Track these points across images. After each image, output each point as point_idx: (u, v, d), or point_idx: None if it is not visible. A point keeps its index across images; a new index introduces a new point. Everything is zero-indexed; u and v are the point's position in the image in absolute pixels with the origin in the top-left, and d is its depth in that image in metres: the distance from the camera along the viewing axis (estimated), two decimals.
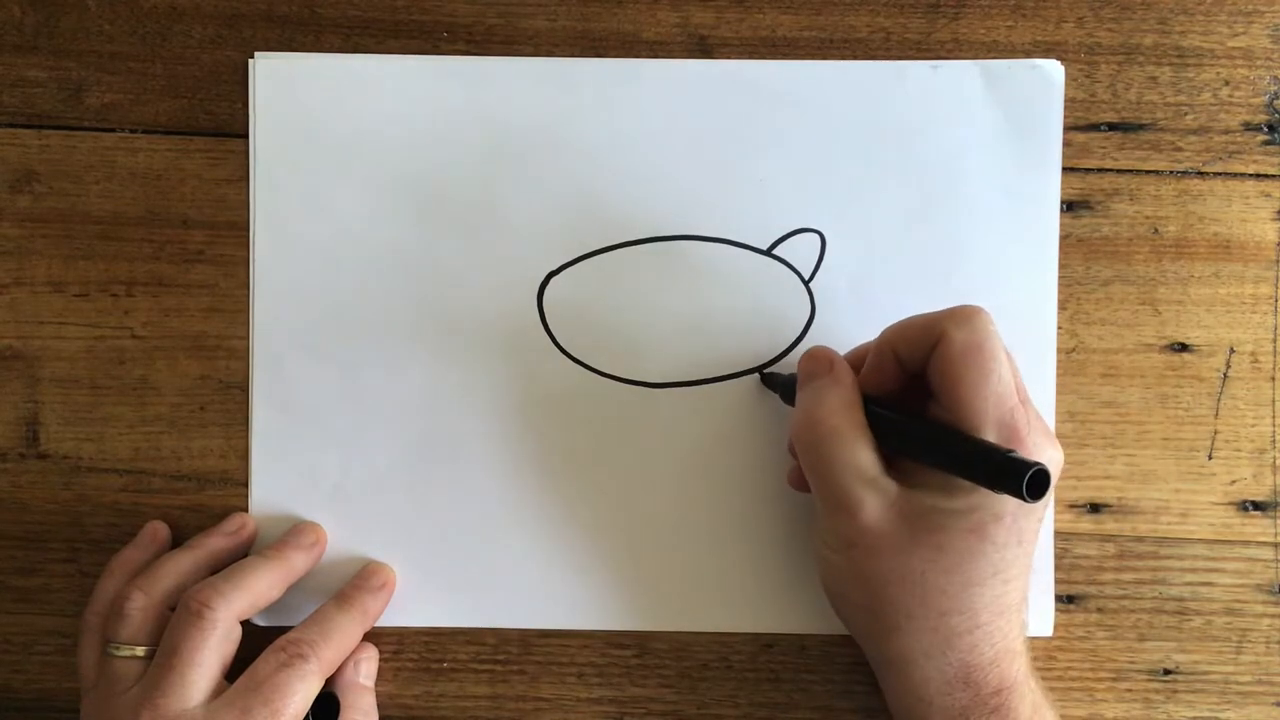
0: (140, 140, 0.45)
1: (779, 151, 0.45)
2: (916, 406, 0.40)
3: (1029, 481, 0.33)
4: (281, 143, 0.45)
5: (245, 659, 0.40)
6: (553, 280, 0.45)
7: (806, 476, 0.40)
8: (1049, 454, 0.37)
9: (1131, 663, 0.45)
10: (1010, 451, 0.35)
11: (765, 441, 0.45)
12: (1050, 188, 0.45)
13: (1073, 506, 0.45)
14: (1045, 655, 0.45)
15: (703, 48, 0.46)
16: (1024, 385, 0.38)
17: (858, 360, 0.41)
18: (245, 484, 0.45)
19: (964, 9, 0.45)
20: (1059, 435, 0.45)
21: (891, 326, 0.40)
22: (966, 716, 0.38)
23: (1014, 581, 0.38)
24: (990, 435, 0.36)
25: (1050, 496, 0.37)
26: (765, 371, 0.45)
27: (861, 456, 0.38)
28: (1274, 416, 0.45)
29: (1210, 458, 0.45)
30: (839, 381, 0.40)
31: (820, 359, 0.41)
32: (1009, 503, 0.37)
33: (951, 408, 0.37)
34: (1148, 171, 0.46)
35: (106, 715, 0.39)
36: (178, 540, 0.45)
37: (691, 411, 0.45)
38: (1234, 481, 0.45)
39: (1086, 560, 0.45)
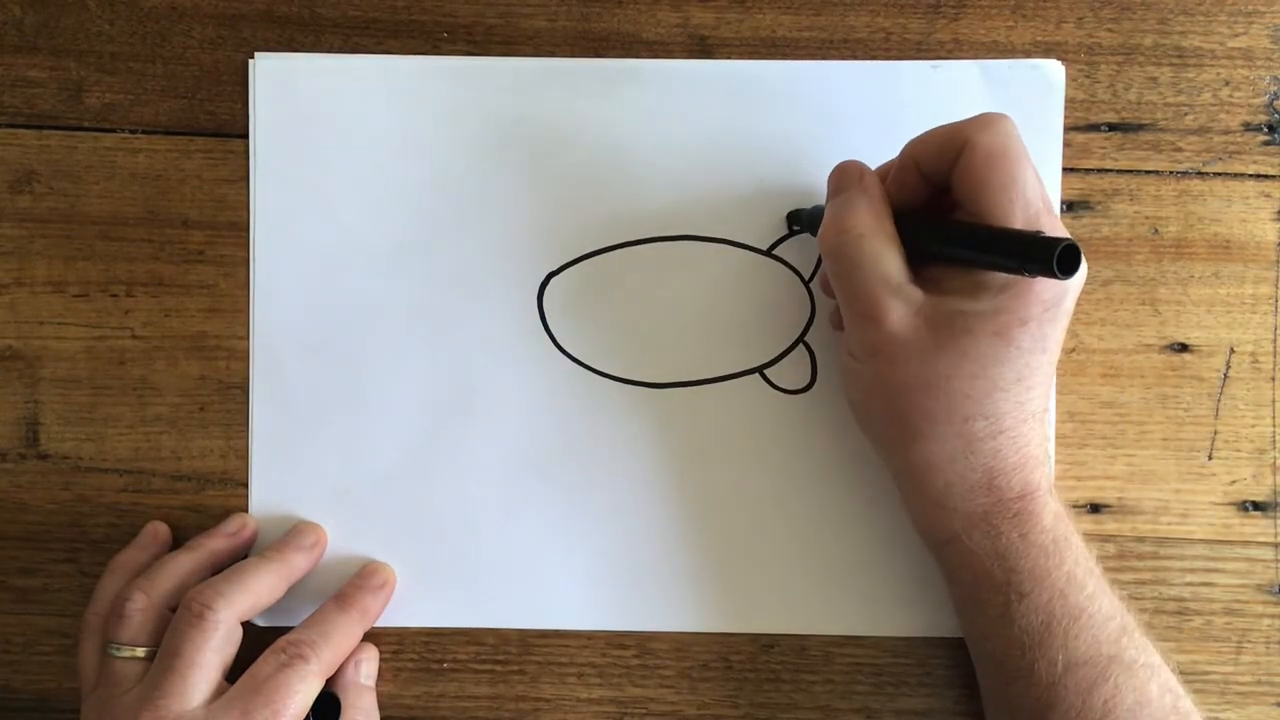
0: (140, 140, 0.45)
1: (779, 151, 0.45)
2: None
3: (1059, 256, 0.33)
4: (281, 143, 0.45)
5: (245, 660, 0.40)
6: (553, 280, 0.45)
7: (833, 285, 0.40)
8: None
9: None
10: (1038, 231, 0.35)
11: (765, 441, 0.45)
12: (1050, 188, 0.45)
13: (1073, 506, 0.45)
14: None
15: (703, 48, 0.45)
16: (1049, 197, 0.37)
17: (882, 177, 0.41)
18: (245, 484, 0.45)
19: (964, 9, 0.45)
20: (1059, 435, 0.45)
21: (913, 139, 0.39)
22: (989, 520, 0.38)
23: (1037, 389, 0.38)
24: None
25: (1080, 280, 0.37)
26: (791, 211, 0.45)
27: (888, 263, 0.38)
28: (1274, 416, 0.45)
29: (1210, 458, 0.45)
30: (867, 191, 0.39)
31: (850, 172, 0.40)
32: (1034, 306, 0.36)
33: (978, 215, 0.37)
34: (1148, 172, 0.46)
35: (107, 716, 0.39)
36: (178, 541, 0.45)
37: (691, 411, 0.45)
38: (1234, 482, 0.45)
39: None
